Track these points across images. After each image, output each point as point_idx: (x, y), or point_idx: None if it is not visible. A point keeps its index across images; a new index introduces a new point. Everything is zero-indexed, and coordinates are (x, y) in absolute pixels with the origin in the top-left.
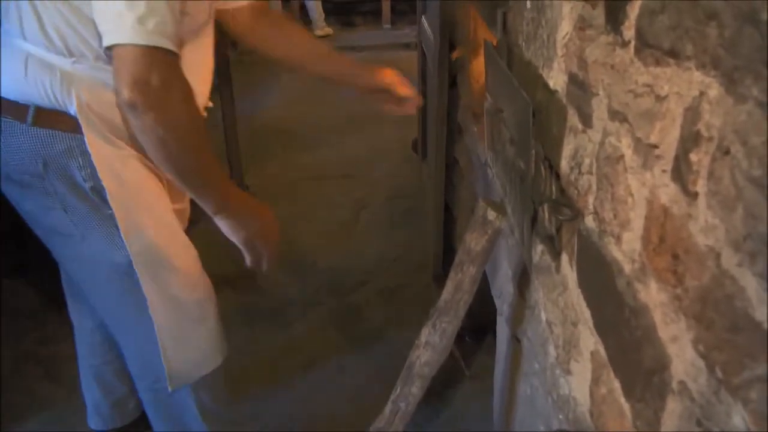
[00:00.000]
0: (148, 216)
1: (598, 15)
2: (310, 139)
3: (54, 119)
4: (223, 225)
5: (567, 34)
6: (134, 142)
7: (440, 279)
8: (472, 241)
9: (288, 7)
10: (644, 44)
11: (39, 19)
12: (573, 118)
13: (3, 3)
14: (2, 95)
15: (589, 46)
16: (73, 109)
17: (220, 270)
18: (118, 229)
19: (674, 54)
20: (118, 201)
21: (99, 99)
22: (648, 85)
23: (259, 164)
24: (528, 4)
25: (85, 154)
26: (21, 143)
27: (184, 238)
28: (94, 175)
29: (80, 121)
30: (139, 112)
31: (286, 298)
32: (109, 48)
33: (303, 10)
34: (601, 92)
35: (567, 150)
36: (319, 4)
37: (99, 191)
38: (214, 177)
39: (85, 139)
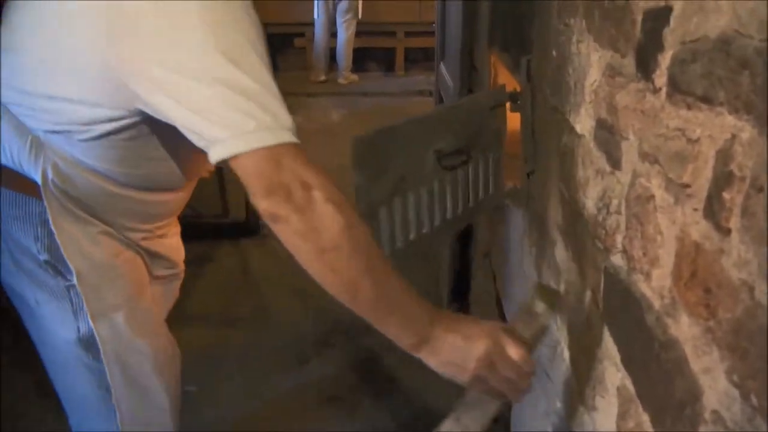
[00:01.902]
0: (121, 298)
1: (628, 64)
2: None
3: (18, 182)
4: (432, 364)
5: (595, 81)
6: (108, 218)
7: None
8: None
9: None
10: (676, 91)
11: (22, 91)
12: (600, 161)
13: None
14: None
15: (619, 93)
16: (38, 180)
17: (233, 307)
18: (72, 303)
19: (706, 100)
20: (86, 283)
21: (69, 175)
22: (679, 129)
23: None
24: (554, 52)
25: (45, 224)
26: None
27: (160, 323)
28: (52, 249)
29: (44, 196)
30: (289, 223)
31: (300, 337)
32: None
33: (332, 53)
34: (631, 136)
35: (594, 191)
36: (351, 51)
37: (54, 265)
38: (401, 301)
39: (48, 214)
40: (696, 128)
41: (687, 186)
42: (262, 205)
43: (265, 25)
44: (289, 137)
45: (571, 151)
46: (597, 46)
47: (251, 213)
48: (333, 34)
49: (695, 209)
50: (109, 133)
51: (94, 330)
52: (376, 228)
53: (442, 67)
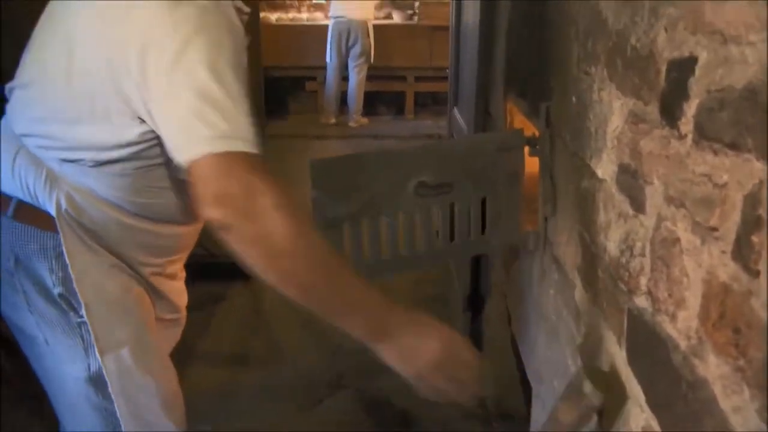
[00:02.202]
0: (128, 333)
1: (652, 111)
2: None
3: (34, 216)
4: (385, 356)
5: (617, 127)
6: (120, 250)
7: None
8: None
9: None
10: (703, 137)
11: (42, 120)
12: (623, 205)
13: (7, 88)
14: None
15: (643, 139)
16: (52, 211)
17: (246, 347)
18: (83, 340)
19: (734, 146)
20: (95, 315)
21: (83, 206)
22: (706, 174)
23: None
24: (573, 99)
25: (60, 257)
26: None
27: (165, 360)
28: (66, 281)
29: (59, 226)
30: (234, 231)
31: (313, 377)
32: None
33: (343, 97)
34: (655, 181)
35: (616, 234)
36: (362, 95)
37: (68, 299)
38: (358, 299)
39: (63, 245)
40: (723, 174)
41: (714, 229)
42: (208, 212)
43: (277, 68)
44: (243, 147)
45: (591, 195)
46: (619, 94)
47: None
48: (344, 78)
49: (723, 252)
50: (121, 160)
51: (102, 365)
52: (337, 239)
53: (456, 112)
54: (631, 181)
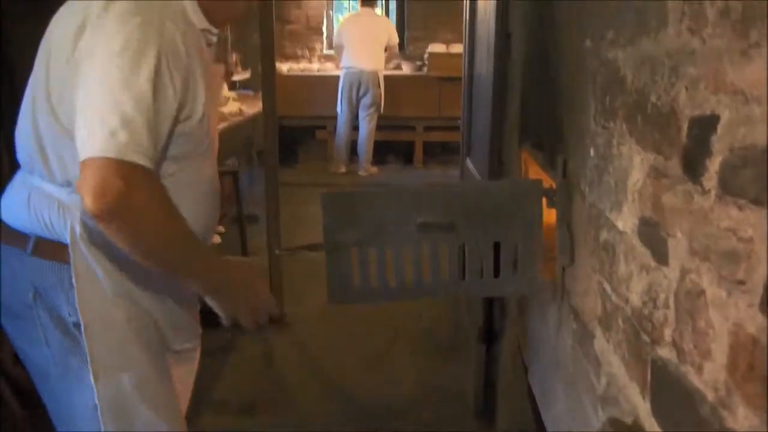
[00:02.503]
0: (128, 360)
1: (673, 166)
2: None
3: (52, 250)
4: (215, 305)
5: (638, 181)
6: (131, 272)
7: (484, 414)
8: None
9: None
10: (726, 193)
11: (42, 149)
12: (645, 257)
13: (16, 137)
14: (6, 223)
15: (665, 194)
16: (67, 239)
17: (256, 395)
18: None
19: (758, 202)
20: (94, 337)
21: (94, 228)
22: (730, 229)
23: (299, 292)
24: (592, 152)
25: (74, 287)
26: (18, 271)
27: (171, 397)
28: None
29: (71, 252)
30: (104, 222)
31: (324, 427)
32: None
33: (353, 146)
34: (678, 234)
35: (639, 285)
36: (372, 144)
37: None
38: (196, 265)
39: (72, 269)
40: (747, 228)
41: (741, 283)
42: (87, 204)
43: (288, 117)
44: (135, 158)
45: (611, 246)
46: (639, 149)
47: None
48: (354, 128)
49: (750, 305)
50: None
51: (95, 389)
52: (345, 261)
53: (469, 162)
54: (653, 233)
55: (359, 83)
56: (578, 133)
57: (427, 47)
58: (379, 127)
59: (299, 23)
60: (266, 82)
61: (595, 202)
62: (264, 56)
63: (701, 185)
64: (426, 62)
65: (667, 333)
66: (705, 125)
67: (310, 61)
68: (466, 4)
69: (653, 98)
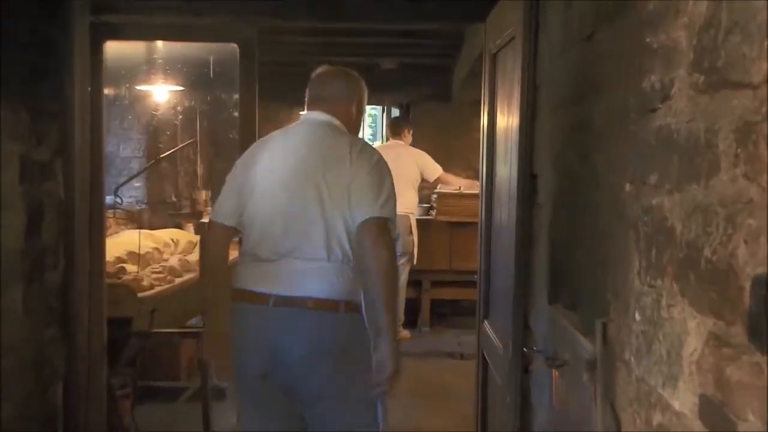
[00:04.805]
0: None
1: (737, 333)
2: None
3: (354, 307)
4: (390, 347)
5: (695, 351)
6: None
7: None
8: None
9: None
10: None
11: (327, 236)
12: None
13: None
14: (323, 298)
15: (728, 366)
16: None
17: None
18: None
19: None
20: None
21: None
22: None
23: None
24: (637, 316)
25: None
26: (332, 329)
27: None
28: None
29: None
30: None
31: None
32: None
33: None
34: (750, 417)
35: None
36: (402, 303)
37: None
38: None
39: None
40: None
41: None
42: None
43: None
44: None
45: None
46: (694, 312)
47: None
48: None
49: None
50: None
51: None
52: None
53: (487, 326)
54: (718, 416)
55: None
56: (620, 292)
57: (435, 186)
58: None
59: None
60: None
61: (644, 376)
62: None
63: None
64: (434, 204)
65: None
66: None
67: None
68: (483, 137)
69: (707, 252)
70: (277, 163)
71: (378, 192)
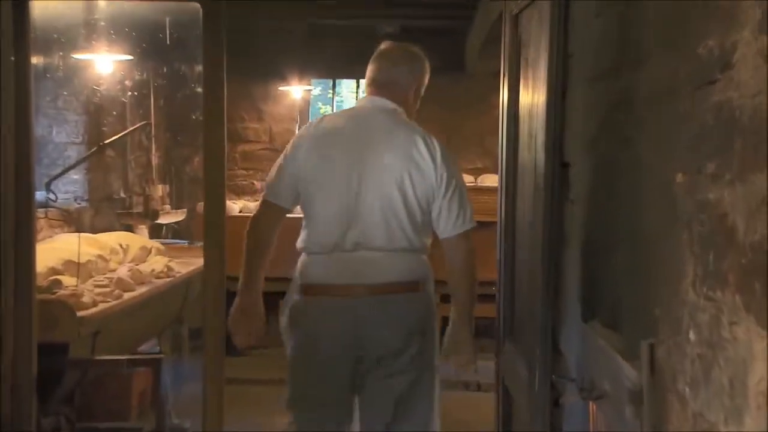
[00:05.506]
0: None
1: None
2: None
3: (426, 287)
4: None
5: (764, 379)
6: None
7: None
8: None
9: None
10: None
11: (407, 228)
12: None
13: None
14: (406, 281)
15: None
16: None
17: None
18: None
19: None
20: None
21: None
22: None
23: None
24: (691, 336)
25: None
26: (417, 307)
27: None
28: None
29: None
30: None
31: None
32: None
33: None
34: None
35: None
36: None
37: None
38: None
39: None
40: None
41: None
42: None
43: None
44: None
45: None
46: (761, 331)
47: None
48: None
49: None
50: None
51: None
52: None
53: (508, 348)
54: None
55: None
56: (670, 307)
57: None
58: None
59: (259, 142)
60: (210, 228)
61: (701, 410)
62: (208, 189)
63: None
64: None
65: None
66: None
67: None
68: (503, 116)
69: None
70: (353, 156)
71: (463, 201)
